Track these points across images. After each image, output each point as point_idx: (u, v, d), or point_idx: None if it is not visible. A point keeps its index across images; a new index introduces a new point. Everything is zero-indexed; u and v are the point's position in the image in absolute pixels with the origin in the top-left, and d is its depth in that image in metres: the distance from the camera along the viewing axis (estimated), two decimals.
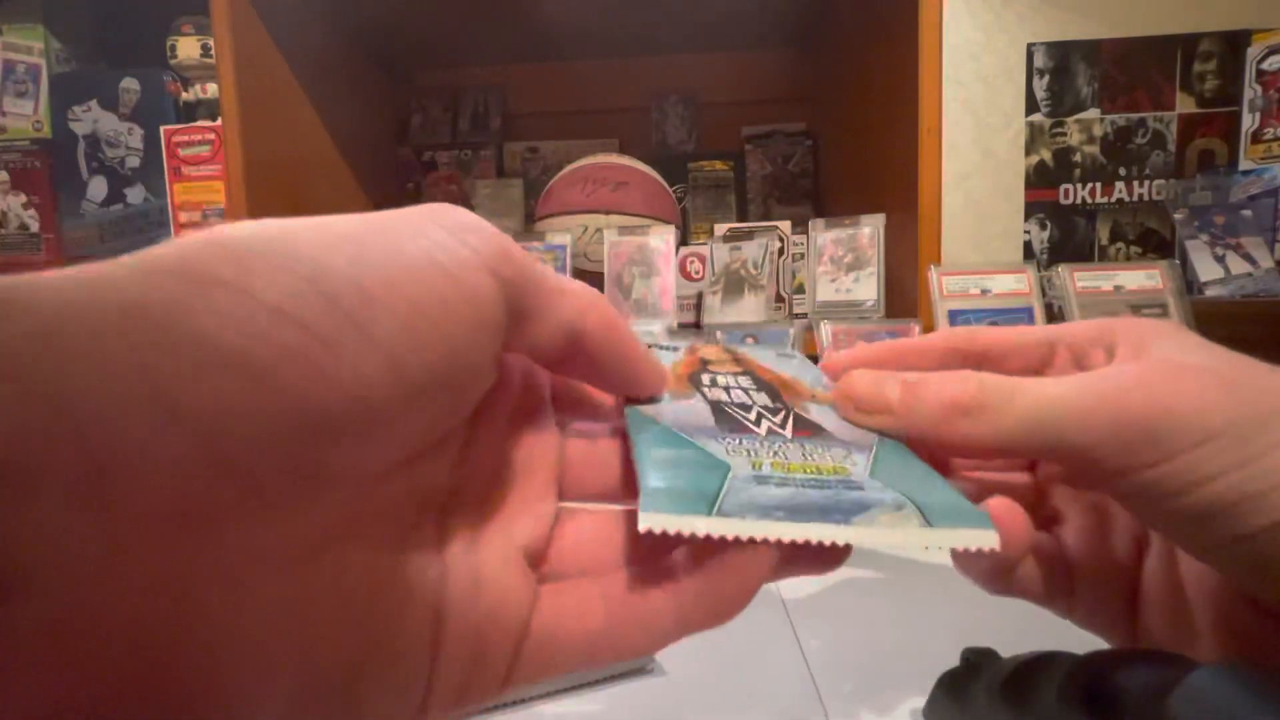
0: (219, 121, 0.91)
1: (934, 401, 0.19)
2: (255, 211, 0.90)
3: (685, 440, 0.17)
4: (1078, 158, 1.37)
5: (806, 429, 0.18)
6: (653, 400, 0.18)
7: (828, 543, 0.14)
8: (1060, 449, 0.18)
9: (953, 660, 0.27)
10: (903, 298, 0.88)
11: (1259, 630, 0.19)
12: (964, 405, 0.18)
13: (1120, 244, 1.37)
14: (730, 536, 0.14)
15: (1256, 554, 0.17)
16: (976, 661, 0.25)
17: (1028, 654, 0.23)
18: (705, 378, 0.20)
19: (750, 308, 0.86)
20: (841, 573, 0.41)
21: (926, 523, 0.15)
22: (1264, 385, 0.18)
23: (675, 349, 0.22)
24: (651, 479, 0.15)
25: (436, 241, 0.14)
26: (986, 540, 0.15)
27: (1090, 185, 1.37)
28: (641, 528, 0.14)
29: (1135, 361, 0.19)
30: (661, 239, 0.88)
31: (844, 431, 0.19)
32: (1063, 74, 1.37)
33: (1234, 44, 1.32)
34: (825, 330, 0.78)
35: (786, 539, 0.14)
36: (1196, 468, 0.17)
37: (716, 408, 0.19)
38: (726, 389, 0.20)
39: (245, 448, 0.10)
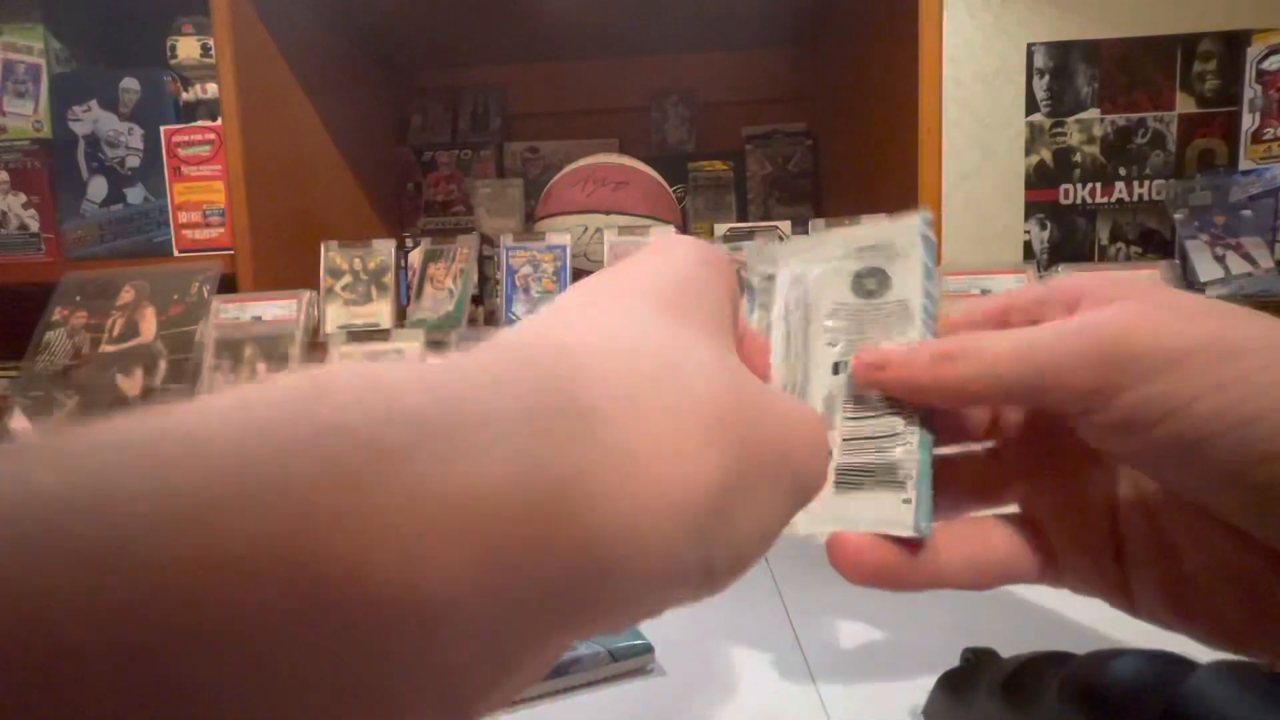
0: (219, 121, 0.91)
1: (926, 353, 0.20)
2: (255, 211, 0.90)
3: None
4: (1078, 158, 1.37)
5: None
6: None
7: None
8: (1038, 383, 0.19)
9: (953, 660, 0.27)
10: None
11: (1256, 575, 0.18)
12: (951, 352, 0.20)
13: (1120, 244, 1.37)
14: None
15: (1246, 488, 0.16)
16: (976, 661, 0.25)
17: (1028, 654, 0.23)
18: None
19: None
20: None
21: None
22: (1232, 317, 0.18)
23: None
24: None
25: None
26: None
27: (1090, 185, 1.37)
28: None
29: (1106, 305, 0.19)
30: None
31: None
32: (1063, 74, 1.37)
33: (1234, 44, 1.32)
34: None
35: None
36: (1171, 393, 0.17)
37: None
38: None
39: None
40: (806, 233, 0.90)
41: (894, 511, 0.19)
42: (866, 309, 0.23)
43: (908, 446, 0.20)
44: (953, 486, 0.23)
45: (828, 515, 0.19)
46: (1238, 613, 0.19)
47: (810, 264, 0.24)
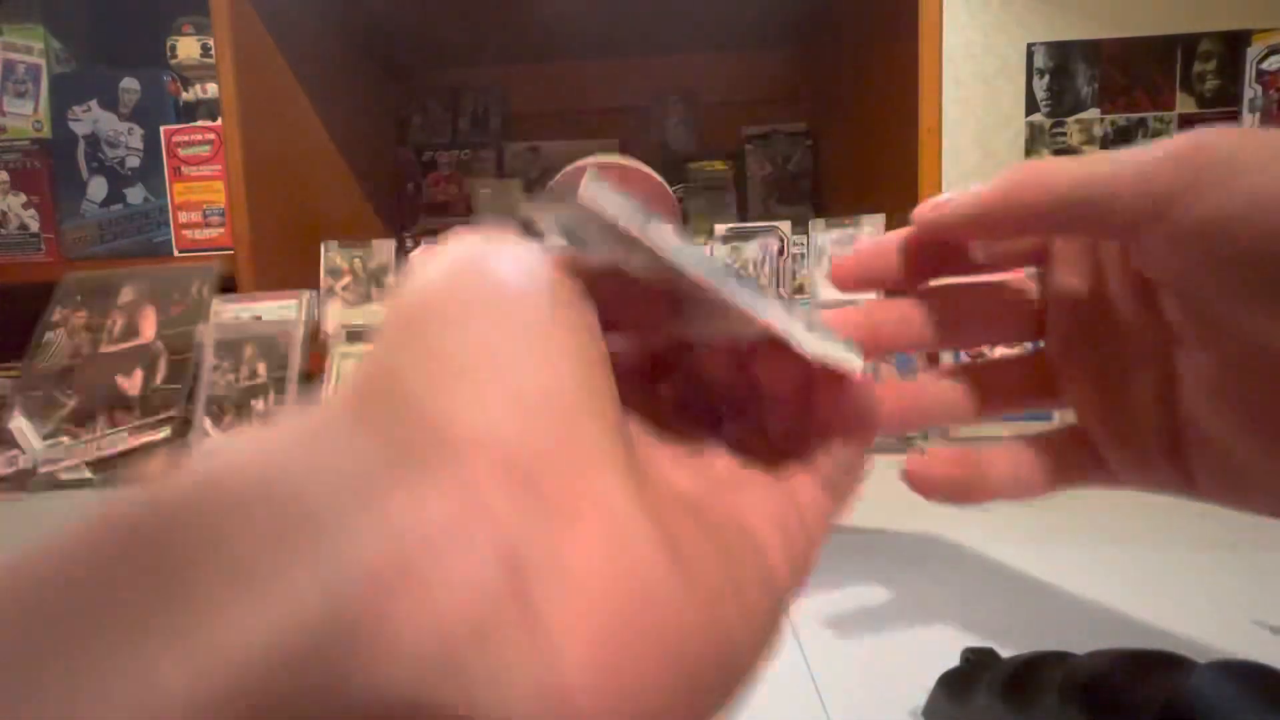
0: (219, 121, 0.91)
1: (974, 190, 0.20)
2: (255, 211, 0.90)
3: None
4: None
5: None
6: None
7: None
8: (1110, 188, 0.18)
9: (953, 660, 0.27)
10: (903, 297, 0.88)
11: None
12: (1015, 178, 0.19)
13: None
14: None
15: None
16: (976, 661, 0.25)
17: (1028, 654, 0.23)
18: None
19: None
20: (841, 572, 0.41)
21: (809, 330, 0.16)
22: None
23: None
24: None
25: None
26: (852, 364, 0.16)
27: None
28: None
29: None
30: None
31: None
32: (1063, 74, 1.36)
33: (1234, 44, 1.32)
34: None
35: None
36: (1262, 187, 0.15)
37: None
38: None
39: None
40: (807, 233, 0.90)
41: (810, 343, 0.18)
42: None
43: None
44: (1003, 387, 0.23)
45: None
46: None
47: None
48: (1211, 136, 0.17)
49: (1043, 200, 0.19)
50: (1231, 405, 0.19)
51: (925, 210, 0.21)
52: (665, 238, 0.15)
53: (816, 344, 0.15)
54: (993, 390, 0.23)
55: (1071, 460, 0.22)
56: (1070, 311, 0.22)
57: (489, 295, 0.13)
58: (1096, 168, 0.18)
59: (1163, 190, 0.17)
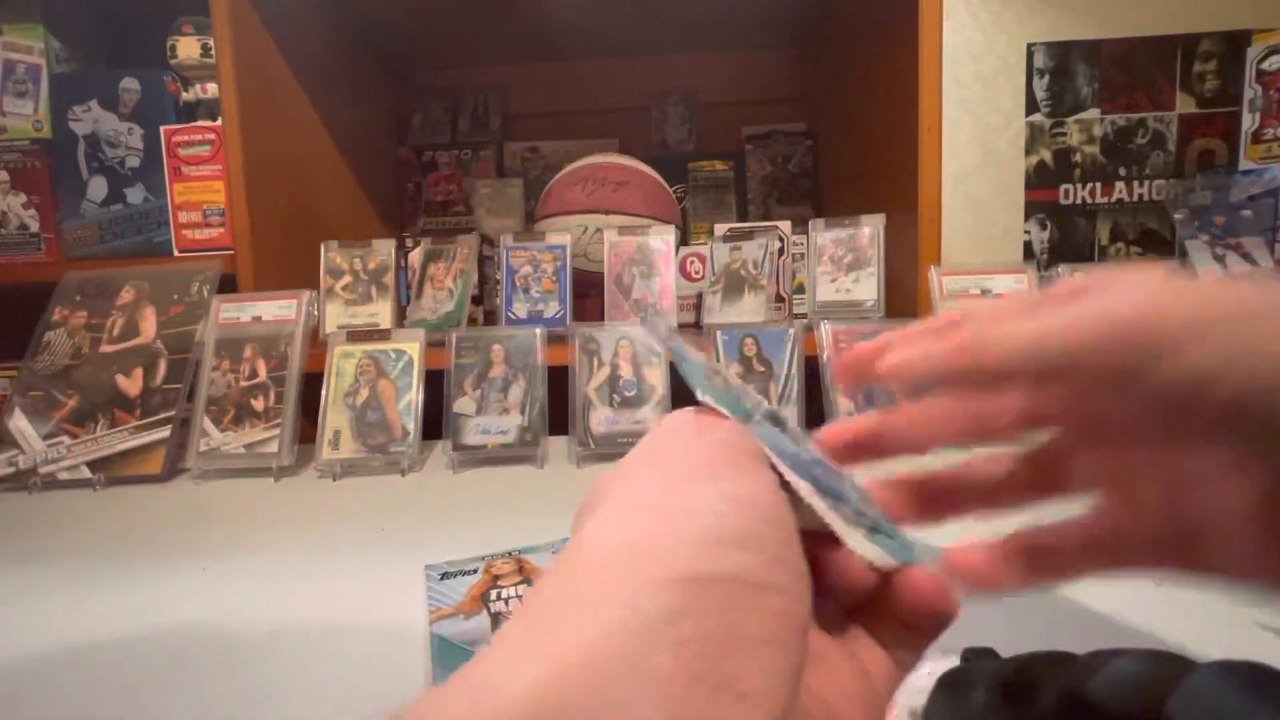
0: (219, 121, 0.91)
1: (950, 342, 0.20)
2: (255, 211, 0.90)
3: None
4: (1078, 158, 1.37)
5: None
6: None
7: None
8: (1066, 361, 0.18)
9: (953, 660, 0.27)
10: (903, 297, 0.88)
11: None
12: (969, 345, 0.19)
13: (1120, 244, 1.37)
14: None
15: None
16: (976, 662, 0.25)
17: (1028, 654, 0.23)
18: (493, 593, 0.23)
19: (750, 308, 0.86)
20: None
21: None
22: (1248, 288, 0.17)
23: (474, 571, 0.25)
24: None
25: None
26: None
27: (1090, 185, 1.37)
28: None
29: (1114, 284, 0.19)
30: (661, 239, 0.88)
31: None
32: (1063, 74, 1.36)
33: (1234, 44, 1.32)
34: (825, 330, 0.78)
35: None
36: (1212, 353, 0.16)
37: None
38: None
39: None
40: (807, 234, 0.90)
41: (864, 549, 0.19)
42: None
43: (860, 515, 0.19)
44: (1015, 486, 0.23)
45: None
46: None
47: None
48: (1145, 303, 0.17)
49: (999, 371, 0.19)
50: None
51: (887, 368, 0.21)
52: (760, 430, 0.18)
53: (871, 549, 0.17)
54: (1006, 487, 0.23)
55: (1088, 546, 0.22)
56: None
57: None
58: (1045, 339, 0.18)
59: (1119, 364, 0.17)
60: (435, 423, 0.76)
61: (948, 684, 0.26)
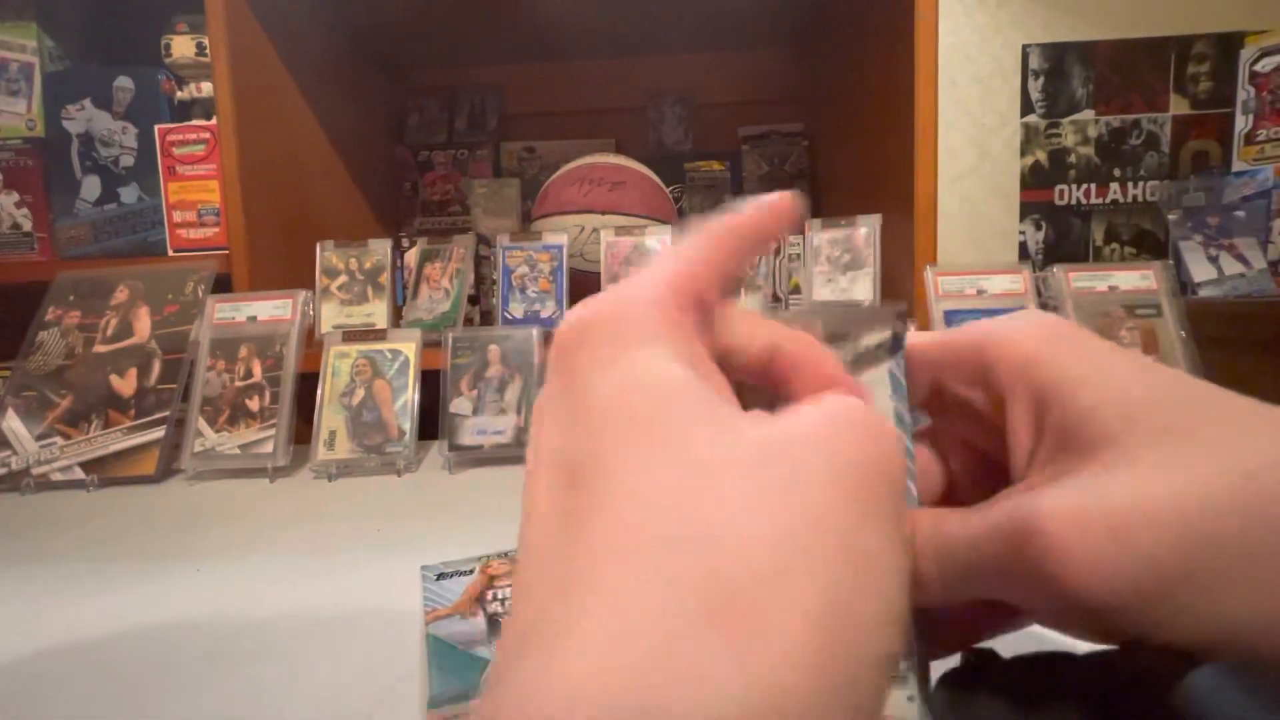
0: (214, 120, 0.90)
1: None
2: (250, 210, 0.90)
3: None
4: (1072, 159, 1.38)
5: None
6: None
7: None
8: (1000, 595, 0.18)
9: (953, 660, 0.27)
10: (898, 297, 0.88)
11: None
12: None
13: (1115, 245, 1.38)
14: None
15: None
16: (977, 661, 0.25)
17: (1028, 654, 0.23)
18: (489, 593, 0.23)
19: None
20: None
21: None
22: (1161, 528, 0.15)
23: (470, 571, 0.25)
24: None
25: None
26: None
27: (1085, 186, 1.38)
28: None
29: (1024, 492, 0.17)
30: (658, 239, 0.88)
31: None
32: (1057, 75, 1.37)
33: (1227, 46, 1.33)
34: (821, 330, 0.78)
35: None
36: (1145, 615, 0.15)
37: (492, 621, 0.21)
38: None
39: None
40: (804, 233, 0.90)
41: (900, 710, 0.18)
42: None
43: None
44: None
45: None
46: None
47: None
48: (1043, 552, 0.16)
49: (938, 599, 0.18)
50: None
51: None
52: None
53: None
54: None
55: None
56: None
57: None
58: (957, 580, 0.18)
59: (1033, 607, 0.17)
60: (431, 423, 0.76)
61: (948, 684, 0.26)
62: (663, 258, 0.17)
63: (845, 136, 1.13)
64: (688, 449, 0.13)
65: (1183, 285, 1.07)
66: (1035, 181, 1.40)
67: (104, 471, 0.74)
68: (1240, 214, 1.11)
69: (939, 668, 0.27)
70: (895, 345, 0.19)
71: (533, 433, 0.17)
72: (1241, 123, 1.25)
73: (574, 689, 0.11)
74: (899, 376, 0.19)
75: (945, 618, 0.21)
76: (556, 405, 0.16)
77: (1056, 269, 0.77)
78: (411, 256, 0.93)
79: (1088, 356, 0.18)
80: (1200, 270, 1.08)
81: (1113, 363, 0.17)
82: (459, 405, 0.75)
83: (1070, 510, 0.16)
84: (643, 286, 0.16)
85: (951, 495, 0.23)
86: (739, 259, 0.19)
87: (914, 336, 0.21)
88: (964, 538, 0.17)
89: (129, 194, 0.94)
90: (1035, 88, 1.38)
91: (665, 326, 0.16)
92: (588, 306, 0.16)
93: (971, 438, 0.22)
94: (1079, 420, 0.17)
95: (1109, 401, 0.17)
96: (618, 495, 0.13)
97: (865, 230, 0.87)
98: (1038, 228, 1.40)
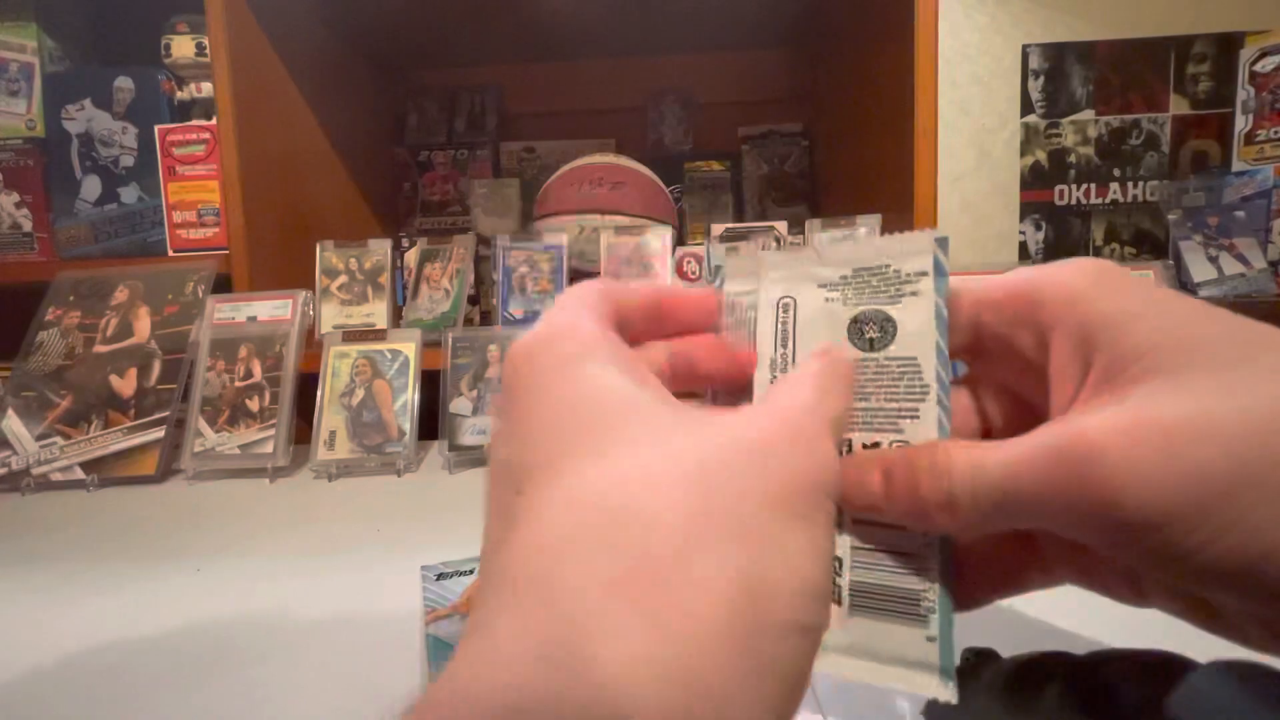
0: (214, 120, 0.90)
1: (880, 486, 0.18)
2: (250, 211, 0.90)
3: None
4: (1072, 159, 1.38)
5: None
6: None
7: None
8: (1036, 522, 0.17)
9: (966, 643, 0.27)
10: None
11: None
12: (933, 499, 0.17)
13: (1115, 245, 1.38)
14: None
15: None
16: (976, 661, 0.25)
17: (1028, 654, 0.23)
18: None
19: None
20: None
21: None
22: (1238, 441, 0.15)
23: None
24: None
25: None
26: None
27: (1085, 186, 1.38)
28: None
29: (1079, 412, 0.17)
30: (658, 239, 0.88)
31: None
32: (1057, 75, 1.37)
33: (1227, 46, 1.33)
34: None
35: None
36: (1171, 544, 0.15)
37: None
38: None
39: None
40: (804, 233, 0.90)
41: (918, 650, 0.17)
42: (868, 365, 0.19)
43: (926, 572, 0.17)
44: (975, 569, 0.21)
45: (846, 644, 0.18)
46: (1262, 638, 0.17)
47: (799, 286, 0.21)
48: (1106, 469, 0.15)
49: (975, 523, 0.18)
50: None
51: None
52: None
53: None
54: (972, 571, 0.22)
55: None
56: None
57: None
58: (1005, 507, 0.17)
59: (1089, 537, 0.16)
60: (431, 423, 0.76)
61: None
62: (585, 286, 0.20)
63: (845, 136, 1.13)
64: (620, 450, 0.15)
65: (1183, 285, 1.07)
66: (1035, 182, 1.40)
67: (104, 471, 0.74)
68: (1240, 214, 1.11)
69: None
70: (938, 270, 0.19)
71: (487, 446, 0.19)
72: (1241, 123, 1.25)
73: (472, 685, 0.12)
74: (942, 307, 0.19)
75: (977, 559, 0.21)
76: (506, 420, 0.18)
77: None
78: (411, 256, 0.93)
79: (1141, 294, 0.17)
80: (1200, 270, 1.07)
81: (1167, 300, 0.17)
82: (459, 405, 0.75)
83: (1123, 424, 0.15)
84: (578, 310, 0.19)
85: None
86: (652, 312, 0.21)
87: (956, 280, 0.20)
88: (1002, 461, 0.17)
89: (129, 194, 0.94)
90: (1035, 88, 1.38)
91: (600, 341, 0.18)
92: (533, 331, 0.18)
93: (1010, 382, 0.21)
94: (1132, 356, 0.17)
95: (1166, 336, 0.16)
96: (550, 495, 0.15)
97: (865, 230, 0.87)
98: (1038, 228, 1.40)
